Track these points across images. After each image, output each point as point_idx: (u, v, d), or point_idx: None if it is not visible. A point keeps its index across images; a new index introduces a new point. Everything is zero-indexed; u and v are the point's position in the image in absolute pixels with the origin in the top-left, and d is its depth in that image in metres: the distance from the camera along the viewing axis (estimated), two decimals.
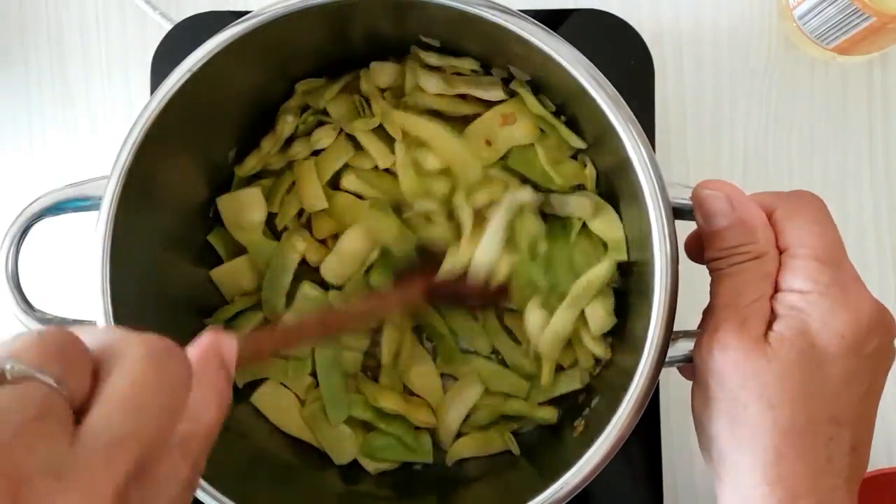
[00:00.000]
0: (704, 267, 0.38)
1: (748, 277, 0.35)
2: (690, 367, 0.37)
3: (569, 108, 0.46)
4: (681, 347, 0.37)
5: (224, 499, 0.38)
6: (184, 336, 0.26)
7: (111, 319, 0.38)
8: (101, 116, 0.55)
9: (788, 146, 0.54)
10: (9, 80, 0.56)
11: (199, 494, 0.37)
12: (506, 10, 0.39)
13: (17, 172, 0.55)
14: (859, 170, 0.54)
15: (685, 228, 0.39)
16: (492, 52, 0.46)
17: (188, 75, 0.38)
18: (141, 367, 0.22)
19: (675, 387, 0.51)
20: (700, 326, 0.37)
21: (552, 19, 0.51)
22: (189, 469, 0.25)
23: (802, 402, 0.33)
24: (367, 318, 0.43)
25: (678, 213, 0.38)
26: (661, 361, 0.36)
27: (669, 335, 0.36)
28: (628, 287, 0.46)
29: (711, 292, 0.36)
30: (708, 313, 0.36)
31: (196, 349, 0.26)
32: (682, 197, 0.38)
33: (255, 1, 0.39)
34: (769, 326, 0.34)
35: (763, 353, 0.33)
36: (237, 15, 0.39)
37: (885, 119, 0.54)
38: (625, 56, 0.51)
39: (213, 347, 0.26)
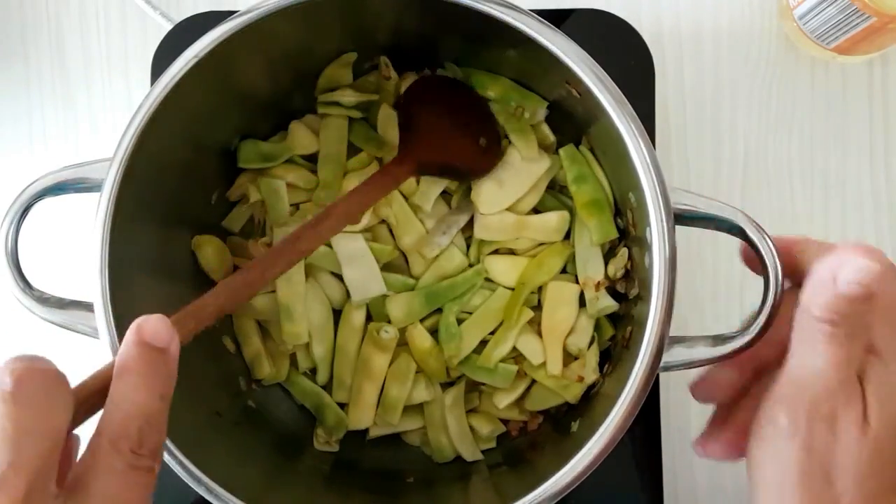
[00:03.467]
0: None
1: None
2: (704, 387, 0.37)
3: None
4: (675, 353, 0.37)
5: (213, 485, 0.38)
6: None
7: (108, 300, 0.38)
8: (102, 116, 0.55)
9: (788, 146, 0.54)
10: (9, 80, 0.56)
11: (196, 485, 0.38)
12: (508, 6, 0.38)
13: (18, 172, 0.55)
14: (859, 169, 0.54)
15: (684, 232, 0.39)
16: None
17: (195, 61, 0.39)
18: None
19: (675, 388, 0.51)
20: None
21: (552, 19, 0.50)
22: (126, 459, 0.26)
23: (881, 475, 0.32)
24: (343, 218, 0.42)
25: (678, 218, 0.37)
26: (656, 365, 0.36)
27: (665, 339, 0.36)
28: (628, 290, 0.46)
29: (797, 359, 0.34)
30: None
31: (123, 345, 0.29)
32: (683, 202, 0.38)
33: (253, 1, 0.39)
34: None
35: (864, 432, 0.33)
36: None
37: (885, 119, 0.54)
38: (625, 56, 0.51)
39: (132, 337, 0.29)
